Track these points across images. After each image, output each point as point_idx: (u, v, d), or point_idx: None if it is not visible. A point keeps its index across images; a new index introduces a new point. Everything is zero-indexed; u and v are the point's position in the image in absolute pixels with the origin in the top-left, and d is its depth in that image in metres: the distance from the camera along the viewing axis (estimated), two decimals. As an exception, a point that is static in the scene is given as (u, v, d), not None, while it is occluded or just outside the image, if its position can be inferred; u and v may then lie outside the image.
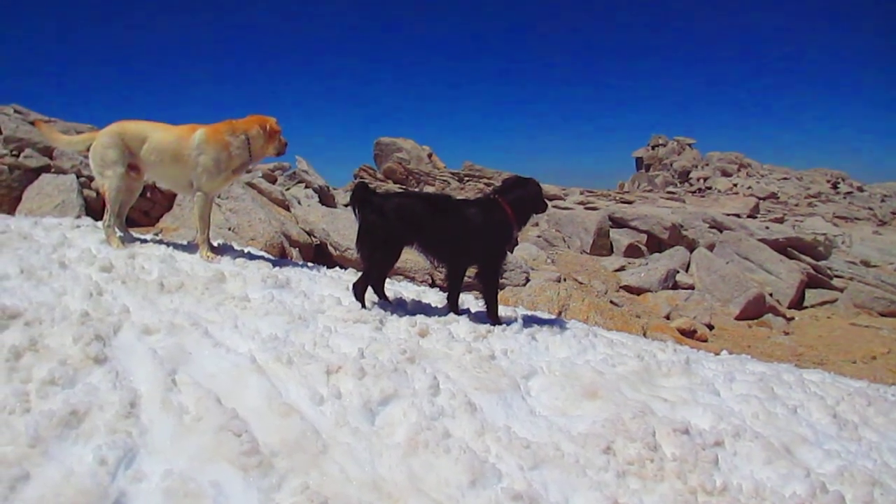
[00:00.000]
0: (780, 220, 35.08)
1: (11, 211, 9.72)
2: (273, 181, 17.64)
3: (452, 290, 5.03)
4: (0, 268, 4.02)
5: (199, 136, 5.41)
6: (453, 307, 4.98)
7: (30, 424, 2.43)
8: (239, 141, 5.53)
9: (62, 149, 10.30)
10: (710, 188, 57.06)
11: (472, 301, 5.49)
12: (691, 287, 15.36)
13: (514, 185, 4.99)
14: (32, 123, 12.02)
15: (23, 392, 2.67)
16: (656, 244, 19.41)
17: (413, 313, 4.69)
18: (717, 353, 5.85)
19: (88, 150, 5.53)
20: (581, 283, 13.31)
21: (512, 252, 13.57)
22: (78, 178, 10.79)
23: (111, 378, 2.86)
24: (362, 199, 4.68)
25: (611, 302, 12.50)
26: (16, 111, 13.79)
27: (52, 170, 11.02)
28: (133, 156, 5.43)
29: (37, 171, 10.87)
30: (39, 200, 10.26)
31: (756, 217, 35.45)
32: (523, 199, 4.92)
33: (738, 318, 14.20)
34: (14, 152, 11.09)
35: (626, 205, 32.23)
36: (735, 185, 56.77)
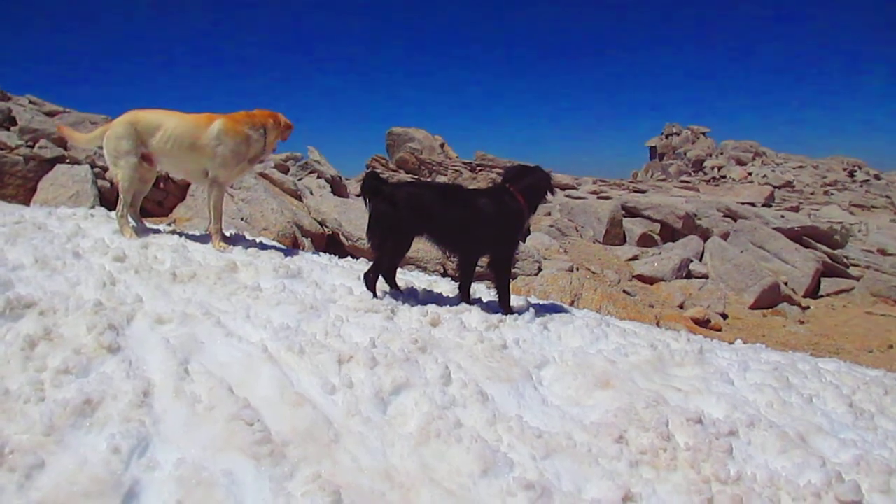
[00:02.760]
0: (796, 209, 34.74)
1: (27, 201, 9.79)
2: (285, 171, 17.66)
3: (464, 279, 5.01)
4: (15, 257, 4.05)
5: (218, 126, 5.40)
6: (465, 297, 4.97)
7: (44, 413, 2.46)
8: (258, 133, 5.54)
9: (84, 147, 10.30)
10: (724, 177, 56.54)
11: (484, 291, 5.47)
12: (705, 276, 15.26)
13: (523, 173, 4.97)
14: (48, 115, 12.10)
15: (37, 381, 2.69)
16: (670, 233, 19.29)
17: (425, 303, 4.69)
18: (731, 343, 5.80)
19: None
20: (594, 273, 13.26)
21: (524, 241, 13.55)
22: (92, 168, 10.85)
23: (124, 367, 2.88)
24: (373, 188, 4.66)
25: (624, 291, 12.44)
26: (31, 102, 13.88)
27: (67, 160, 11.08)
28: (146, 145, 5.44)
29: (52, 162, 10.94)
30: (54, 191, 10.33)
31: (771, 206, 35.12)
32: (534, 186, 4.90)
33: (752, 308, 14.10)
34: (29, 143, 11.16)
35: (639, 194, 32.03)
36: (750, 173, 56.21)
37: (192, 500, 2.24)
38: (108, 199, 10.14)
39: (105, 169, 10.45)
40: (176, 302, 3.85)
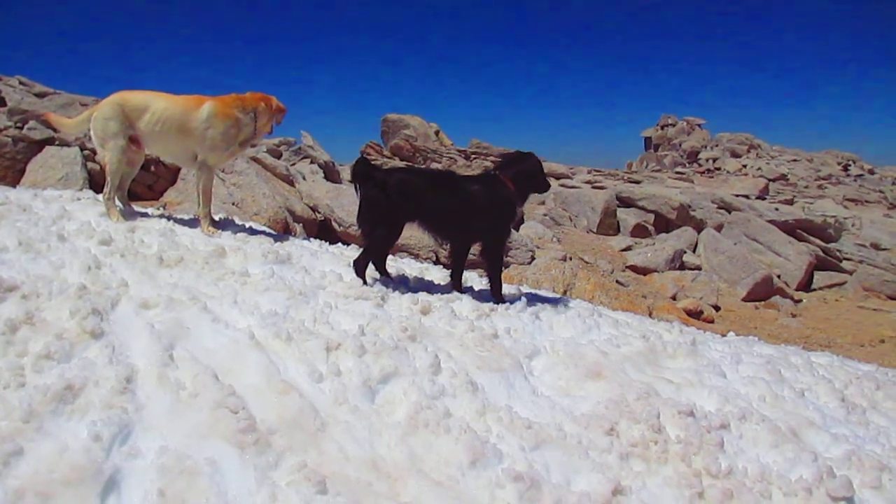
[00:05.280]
0: (790, 202, 34.79)
1: (15, 183, 9.66)
2: (278, 156, 17.54)
3: (456, 267, 4.97)
4: (-2, 240, 3.98)
5: (208, 108, 5.30)
6: (456, 285, 4.93)
7: (24, 399, 2.42)
8: (248, 116, 5.46)
9: (72, 132, 10.14)
10: (719, 169, 56.56)
11: (475, 279, 5.42)
12: (698, 268, 15.27)
13: (515, 160, 4.91)
14: (38, 96, 11.95)
15: (18, 366, 2.65)
16: (664, 224, 19.28)
17: (415, 290, 4.64)
18: (724, 335, 5.78)
19: None
20: (587, 263, 13.23)
21: (517, 230, 13.50)
22: (82, 150, 10.75)
23: (108, 353, 2.84)
24: (363, 174, 4.60)
25: (617, 282, 12.43)
26: (21, 83, 13.73)
27: (56, 142, 10.97)
28: (133, 128, 5.34)
29: (41, 144, 10.83)
30: (43, 173, 10.23)
31: (765, 198, 35.17)
32: (525, 174, 4.84)
33: (745, 300, 14.12)
34: (18, 124, 11.04)
35: (633, 184, 31.95)
36: (744, 166, 56.26)
37: (174, 488, 2.21)
38: (97, 181, 10.04)
39: (94, 151, 10.32)
40: (162, 287, 3.79)
